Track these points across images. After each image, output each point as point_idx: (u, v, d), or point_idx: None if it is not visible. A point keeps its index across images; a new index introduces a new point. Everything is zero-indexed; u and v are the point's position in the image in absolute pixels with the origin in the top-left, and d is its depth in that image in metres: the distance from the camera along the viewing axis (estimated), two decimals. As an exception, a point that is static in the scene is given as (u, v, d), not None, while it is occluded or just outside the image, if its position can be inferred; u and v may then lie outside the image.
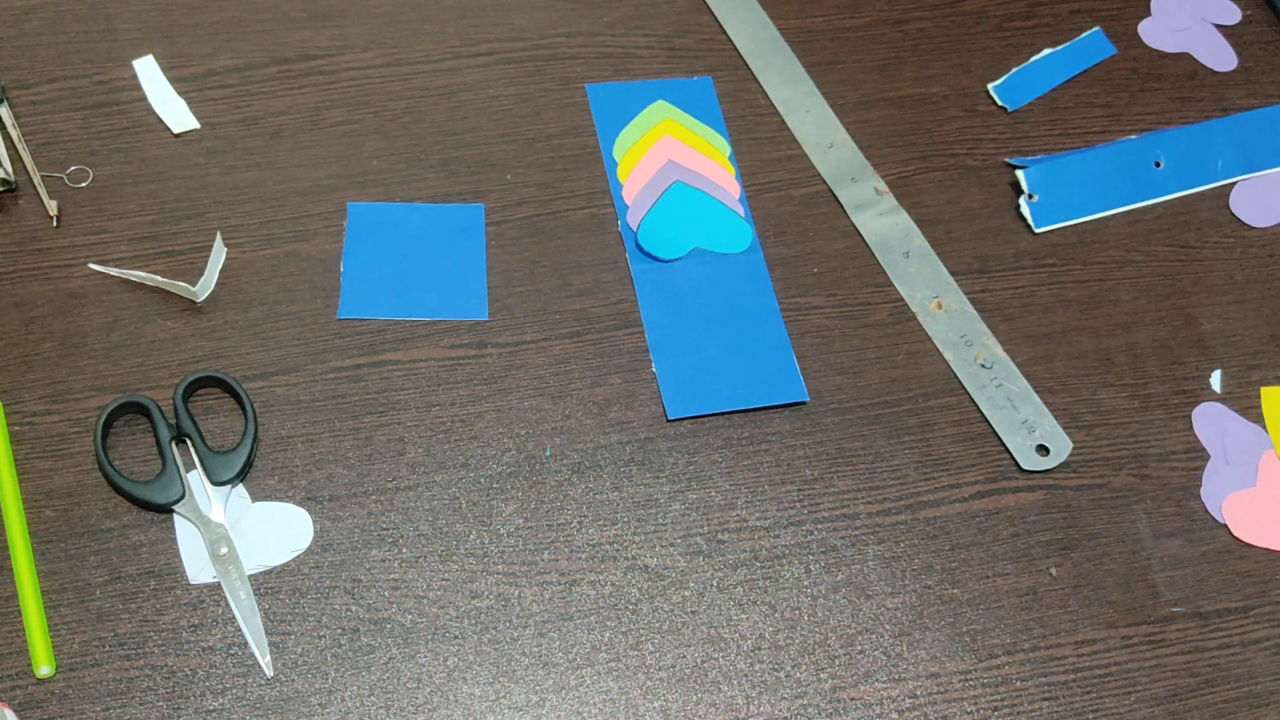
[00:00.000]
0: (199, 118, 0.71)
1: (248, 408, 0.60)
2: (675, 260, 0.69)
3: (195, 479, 0.59)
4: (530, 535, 0.59)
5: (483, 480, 0.61)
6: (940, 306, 0.68)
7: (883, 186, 0.73)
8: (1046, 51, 0.79)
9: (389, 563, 0.58)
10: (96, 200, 0.68)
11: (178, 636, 0.55)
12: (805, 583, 0.59)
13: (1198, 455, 0.65)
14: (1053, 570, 0.61)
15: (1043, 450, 0.64)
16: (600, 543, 0.60)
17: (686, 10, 0.80)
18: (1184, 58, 0.81)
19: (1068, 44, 0.80)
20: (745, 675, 0.57)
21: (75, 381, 0.62)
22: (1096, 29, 0.82)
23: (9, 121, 0.69)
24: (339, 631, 0.56)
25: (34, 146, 0.69)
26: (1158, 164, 0.75)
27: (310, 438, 0.61)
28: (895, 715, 0.56)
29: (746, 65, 0.78)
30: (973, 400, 0.65)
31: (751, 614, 0.58)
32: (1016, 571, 0.60)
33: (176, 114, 0.71)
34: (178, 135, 0.70)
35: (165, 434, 0.60)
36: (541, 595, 0.58)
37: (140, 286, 0.65)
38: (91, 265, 0.65)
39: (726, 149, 0.74)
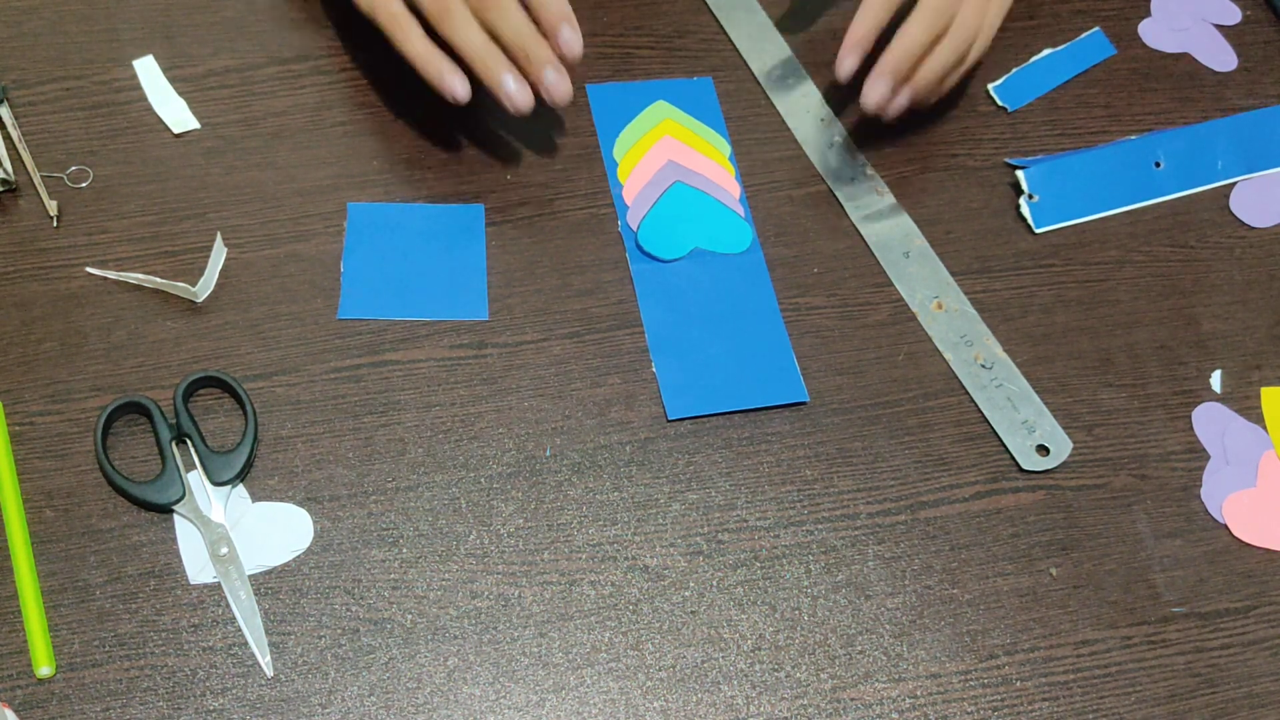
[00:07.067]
0: (199, 118, 0.71)
1: (248, 408, 0.60)
2: (675, 260, 0.69)
3: (195, 479, 0.59)
4: (530, 535, 0.59)
5: (483, 480, 0.61)
6: (940, 306, 0.68)
7: (883, 186, 0.73)
8: (1046, 51, 0.79)
9: (389, 563, 0.58)
10: (96, 200, 0.68)
11: (178, 636, 0.55)
12: (805, 583, 0.59)
13: (1198, 455, 0.65)
14: (1053, 570, 0.61)
15: (1043, 450, 0.64)
16: (600, 543, 0.60)
17: (686, 10, 0.80)
18: (1184, 58, 0.81)
19: (1068, 44, 0.80)
20: (745, 675, 0.57)
21: (75, 381, 0.62)
22: (1096, 29, 0.82)
23: (9, 121, 0.69)
24: (339, 631, 0.56)
25: (34, 146, 0.69)
26: (1158, 164, 0.75)
27: (310, 438, 0.61)
28: (895, 715, 0.56)
29: (746, 65, 0.78)
30: (973, 400, 0.65)
31: (751, 614, 0.58)
32: (1016, 571, 0.60)
33: (176, 114, 0.71)
34: (178, 135, 0.70)
35: (165, 434, 0.60)
36: (541, 595, 0.58)
37: (140, 287, 0.65)
38: (89, 269, 0.65)
39: (726, 149, 0.74)
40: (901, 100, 0.69)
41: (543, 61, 0.64)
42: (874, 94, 0.68)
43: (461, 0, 0.64)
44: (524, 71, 0.64)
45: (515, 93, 0.63)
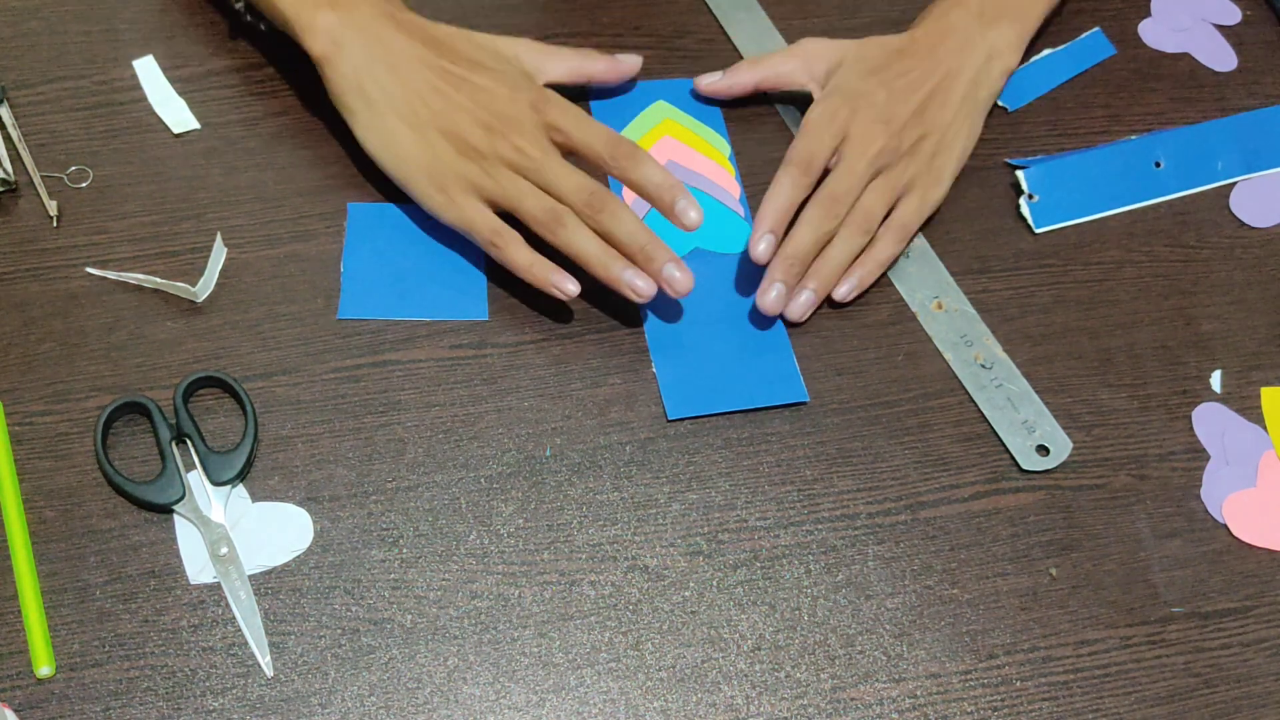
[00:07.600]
0: (199, 118, 0.71)
1: (248, 408, 0.60)
2: (675, 260, 0.68)
3: (195, 479, 0.59)
4: (530, 535, 0.59)
5: (483, 480, 0.61)
6: (940, 306, 0.68)
7: (883, 186, 0.73)
8: (1046, 51, 0.79)
9: (389, 563, 0.58)
10: (96, 200, 0.68)
11: (178, 636, 0.55)
12: (805, 583, 0.59)
13: (1198, 455, 0.65)
14: (1053, 570, 0.61)
15: (1043, 450, 0.64)
16: (600, 543, 0.60)
17: (686, 10, 0.80)
18: (1184, 58, 0.81)
19: (1068, 44, 0.80)
20: (745, 675, 0.57)
21: (75, 381, 0.62)
22: (1096, 29, 0.82)
23: (9, 121, 0.69)
24: (339, 631, 0.56)
25: (34, 146, 0.69)
26: (1158, 164, 0.75)
27: (310, 438, 0.61)
28: (895, 715, 0.56)
29: (746, 65, 0.77)
30: (973, 400, 0.65)
31: (751, 614, 0.58)
32: (1016, 571, 0.60)
33: (176, 114, 0.71)
34: (178, 135, 0.70)
35: (165, 434, 0.60)
36: (541, 595, 0.58)
37: (140, 287, 0.65)
38: (89, 269, 0.65)
39: (726, 149, 0.74)
40: (803, 300, 0.66)
41: (663, 260, 0.62)
42: (768, 301, 0.65)
43: (569, 209, 0.63)
44: (643, 268, 0.63)
45: (642, 288, 0.63)
